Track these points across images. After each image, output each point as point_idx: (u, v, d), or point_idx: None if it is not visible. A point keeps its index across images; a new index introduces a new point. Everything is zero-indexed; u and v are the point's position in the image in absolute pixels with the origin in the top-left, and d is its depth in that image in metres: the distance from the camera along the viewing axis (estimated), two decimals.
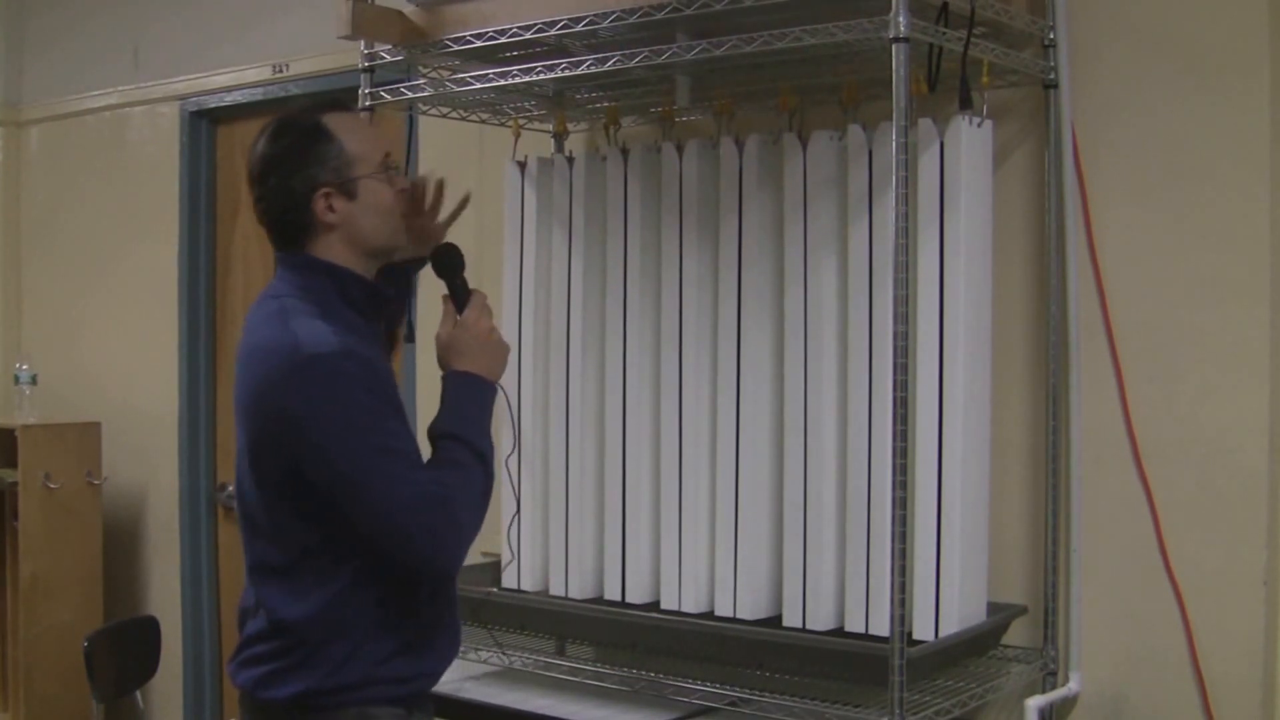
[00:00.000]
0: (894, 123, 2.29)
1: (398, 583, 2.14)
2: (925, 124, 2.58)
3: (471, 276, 3.51)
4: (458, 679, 3.03)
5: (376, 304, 2.23)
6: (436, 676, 2.25)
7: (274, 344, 2.11)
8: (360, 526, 2.09)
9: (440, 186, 2.39)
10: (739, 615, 2.81)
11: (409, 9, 2.91)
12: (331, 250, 2.18)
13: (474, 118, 3.29)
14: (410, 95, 2.98)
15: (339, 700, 2.14)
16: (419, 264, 2.39)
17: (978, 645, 2.69)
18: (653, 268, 2.96)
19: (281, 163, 2.17)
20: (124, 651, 4.16)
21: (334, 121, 2.18)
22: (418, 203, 2.36)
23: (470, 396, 2.19)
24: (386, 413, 2.11)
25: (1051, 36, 2.71)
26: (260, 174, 2.19)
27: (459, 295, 2.26)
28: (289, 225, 2.18)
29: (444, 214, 2.42)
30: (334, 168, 2.16)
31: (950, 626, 2.59)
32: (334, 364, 2.06)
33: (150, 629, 4.35)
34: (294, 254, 2.20)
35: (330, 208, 2.16)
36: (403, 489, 2.06)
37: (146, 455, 4.75)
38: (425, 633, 2.20)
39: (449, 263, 2.29)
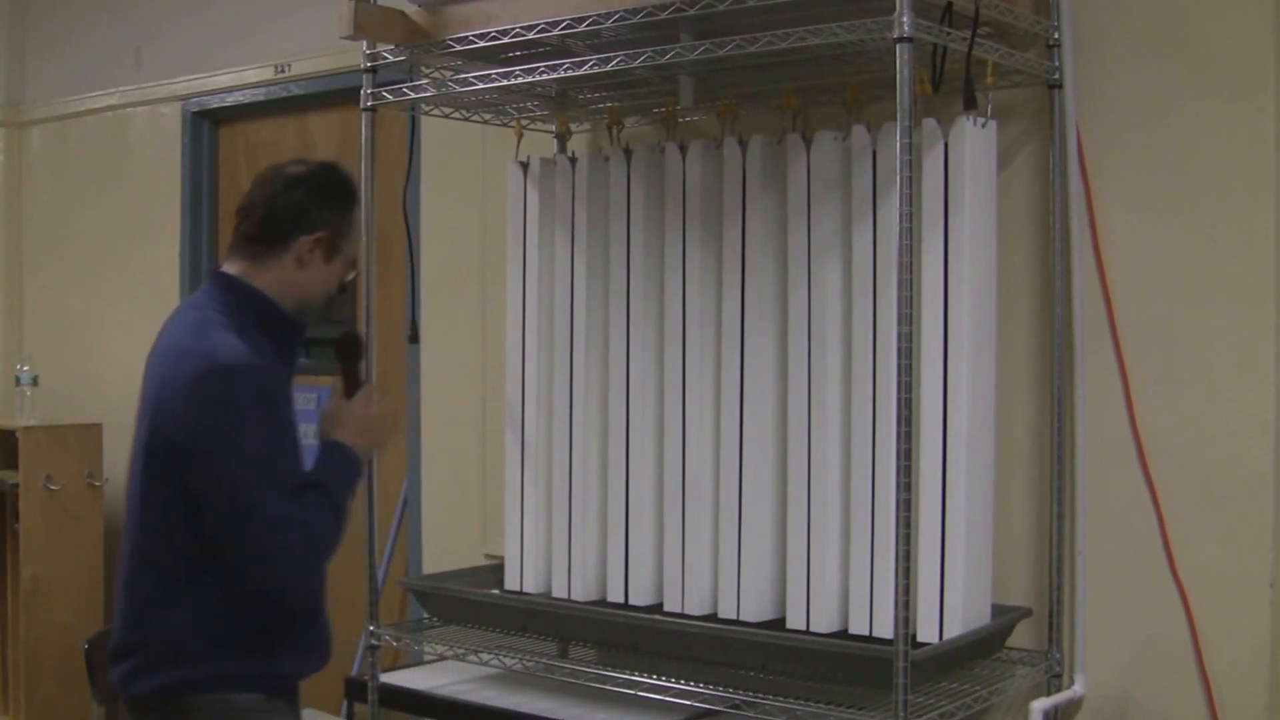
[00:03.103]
0: (898, 123, 2.28)
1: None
2: (929, 124, 2.57)
3: (474, 278, 3.55)
4: (460, 681, 3.02)
5: (290, 335, 2.43)
6: (298, 677, 2.43)
7: (189, 348, 2.30)
8: (224, 536, 2.26)
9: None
10: (742, 617, 2.80)
11: (411, 9, 2.91)
12: (276, 280, 2.40)
13: (476, 118, 3.28)
14: (412, 95, 2.97)
15: (198, 691, 2.31)
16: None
17: (982, 647, 2.68)
18: (655, 268, 2.95)
19: (315, 188, 2.42)
20: None
21: (358, 209, 2.49)
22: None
23: (341, 462, 2.40)
24: (279, 435, 2.28)
25: (1056, 37, 2.70)
26: (293, 181, 2.42)
27: (351, 380, 2.51)
28: (273, 233, 2.39)
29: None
30: (341, 231, 2.42)
31: (954, 629, 2.58)
32: (243, 376, 2.26)
33: None
34: (225, 275, 2.41)
35: (311, 251, 2.39)
36: (273, 509, 2.23)
37: None
38: (283, 638, 2.36)
39: (352, 350, 2.54)
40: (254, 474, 2.23)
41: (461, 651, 2.94)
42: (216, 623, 2.30)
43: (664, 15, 2.52)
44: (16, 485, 4.64)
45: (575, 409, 3.05)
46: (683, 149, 2.90)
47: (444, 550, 3.81)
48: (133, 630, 2.36)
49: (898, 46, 2.27)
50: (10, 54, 5.25)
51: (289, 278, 2.40)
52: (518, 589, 3.14)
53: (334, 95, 4.17)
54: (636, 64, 2.61)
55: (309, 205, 2.39)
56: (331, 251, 2.41)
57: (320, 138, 4.42)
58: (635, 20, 2.57)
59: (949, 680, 2.57)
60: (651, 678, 2.67)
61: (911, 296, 2.32)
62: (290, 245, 2.38)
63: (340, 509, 2.34)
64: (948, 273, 2.58)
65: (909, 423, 2.31)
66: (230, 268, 2.42)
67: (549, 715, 2.78)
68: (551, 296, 3.11)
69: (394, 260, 3.94)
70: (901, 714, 2.28)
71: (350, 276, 2.50)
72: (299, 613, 2.39)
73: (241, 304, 2.37)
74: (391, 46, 2.95)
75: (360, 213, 2.51)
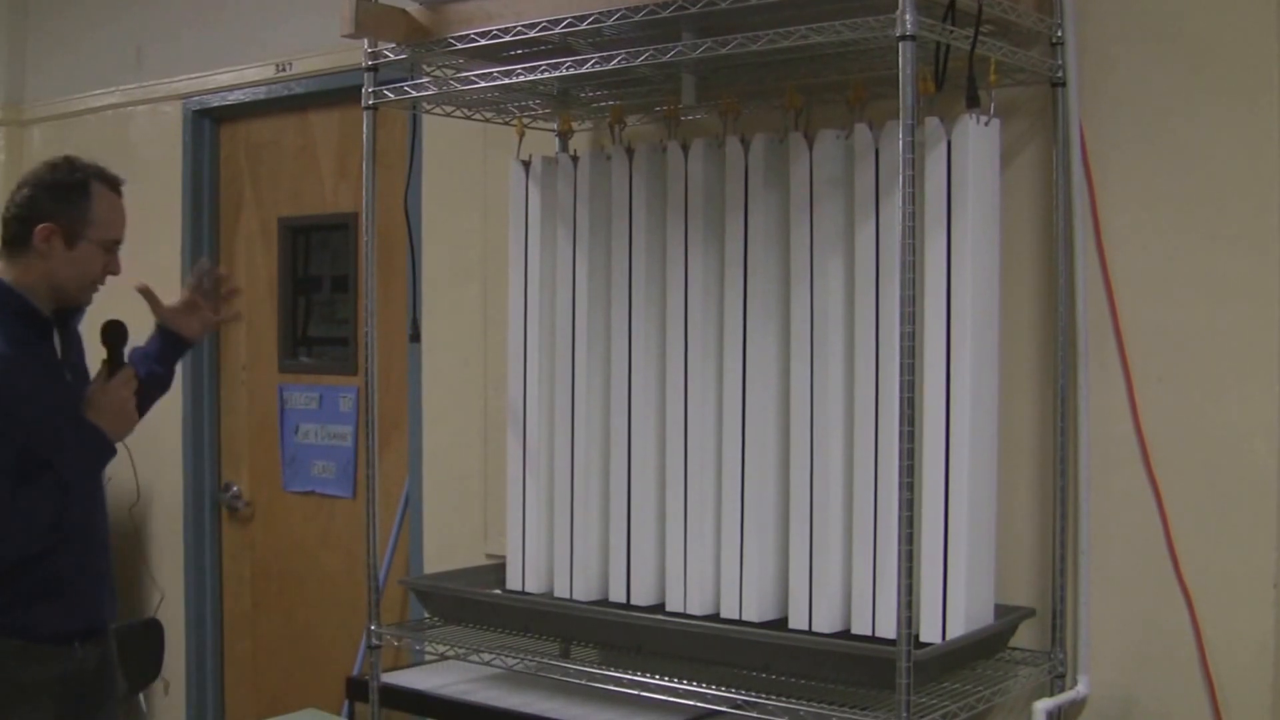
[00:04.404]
0: (901, 121, 2.27)
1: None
2: (932, 123, 2.57)
3: (476, 276, 3.53)
4: (461, 681, 3.02)
5: (37, 324, 2.76)
6: (44, 629, 2.73)
7: None
8: None
9: (218, 280, 3.08)
10: (745, 617, 2.79)
11: (413, 7, 2.90)
12: (27, 271, 2.73)
13: (478, 117, 3.27)
14: (414, 94, 2.97)
15: None
16: (78, 313, 2.91)
17: (985, 648, 2.67)
18: (658, 267, 2.94)
19: (41, 186, 2.76)
20: (127, 654, 4.14)
21: (97, 189, 2.77)
22: (198, 283, 3.05)
23: (86, 446, 2.74)
24: None
25: (1059, 34, 2.69)
26: (21, 183, 2.79)
27: (114, 365, 2.82)
28: (11, 232, 2.75)
29: (225, 312, 3.12)
30: (72, 217, 2.72)
31: (957, 629, 2.57)
32: None
33: (154, 632, 4.33)
34: None
35: (46, 240, 2.71)
36: None
37: (149, 456, 4.73)
38: (33, 591, 2.70)
39: (115, 337, 2.84)
40: None
41: (463, 651, 2.94)
42: None
43: (666, 13, 2.52)
44: None
45: (577, 408, 3.05)
46: (685, 147, 2.89)
47: (445, 550, 3.81)
48: None
49: (900, 45, 2.26)
50: (11, 52, 5.24)
51: (37, 268, 2.73)
52: (519, 589, 3.14)
53: (335, 94, 4.17)
54: (638, 62, 2.60)
55: (37, 199, 2.74)
56: (71, 238, 2.73)
57: (321, 136, 4.42)
58: (637, 18, 2.57)
59: (952, 680, 2.56)
60: (654, 678, 2.66)
61: (914, 295, 2.31)
62: (30, 240, 2.72)
63: (60, 485, 2.67)
64: (950, 271, 2.57)
65: (911, 422, 2.30)
66: None
67: (551, 715, 2.77)
68: (553, 295, 3.11)
69: (396, 259, 3.94)
70: (904, 714, 2.27)
71: (117, 266, 2.82)
72: (26, 572, 2.70)
73: None
74: (393, 45, 2.94)
75: (100, 199, 2.76)
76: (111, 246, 2.80)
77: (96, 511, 2.90)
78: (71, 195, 2.75)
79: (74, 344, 2.89)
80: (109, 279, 2.86)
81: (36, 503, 2.66)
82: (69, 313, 2.86)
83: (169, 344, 3.07)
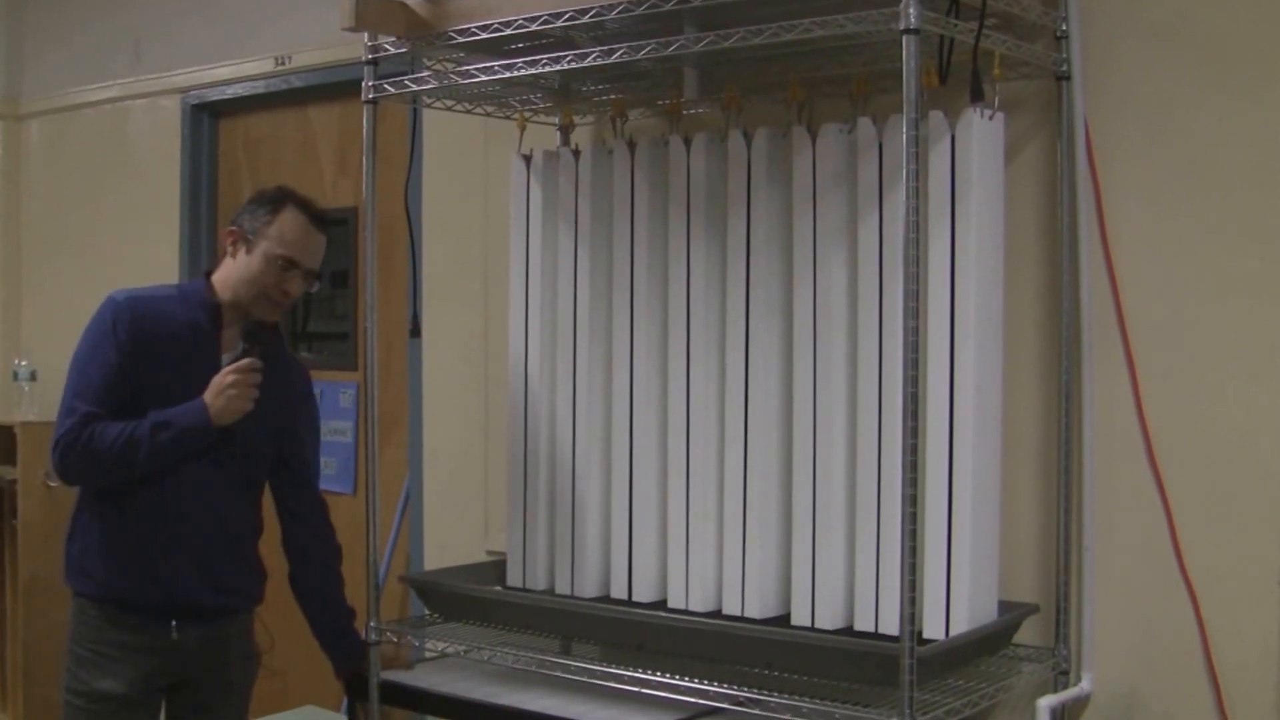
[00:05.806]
0: (904, 115, 2.26)
1: (96, 495, 2.92)
2: (936, 117, 2.55)
3: (477, 271, 3.52)
4: (462, 679, 3.01)
5: (207, 310, 2.95)
6: (106, 587, 2.90)
7: None
8: None
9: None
10: (747, 614, 2.78)
11: (413, 1, 2.89)
12: (223, 275, 2.97)
13: (479, 111, 3.26)
14: (414, 88, 2.95)
15: (68, 579, 2.96)
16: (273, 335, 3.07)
17: (989, 644, 2.66)
18: (660, 262, 2.93)
19: (249, 199, 3.01)
20: None
21: (290, 210, 2.93)
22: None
23: (185, 411, 2.86)
24: (106, 354, 2.86)
25: (1064, 28, 2.68)
26: (248, 198, 3.04)
27: (249, 357, 2.94)
28: (218, 238, 3.16)
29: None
30: (254, 225, 2.93)
31: (961, 625, 2.56)
32: (110, 304, 2.93)
33: None
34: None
35: (232, 242, 2.96)
36: (67, 400, 2.86)
37: None
38: (103, 544, 2.90)
39: (257, 336, 2.97)
40: (72, 372, 2.89)
41: (463, 648, 2.93)
42: (72, 525, 2.96)
43: (668, 7, 2.50)
44: (14, 481, 4.62)
45: (578, 403, 3.03)
46: (687, 142, 2.88)
47: (446, 546, 3.80)
48: None
49: (904, 38, 2.24)
50: (9, 46, 5.23)
51: (225, 268, 2.97)
52: (520, 585, 3.13)
53: (335, 88, 4.15)
54: (640, 56, 2.59)
55: (241, 209, 2.99)
56: (247, 245, 2.92)
57: (321, 131, 4.40)
58: (639, 12, 2.55)
59: (955, 677, 2.55)
60: (655, 675, 2.65)
61: (918, 290, 2.30)
62: (220, 244, 3.00)
63: (139, 437, 2.81)
64: (954, 266, 2.56)
65: (915, 417, 2.29)
66: None
67: (551, 713, 2.76)
68: (554, 290, 3.10)
69: (396, 254, 3.93)
70: (908, 711, 2.26)
71: (295, 287, 2.93)
72: (114, 537, 2.89)
73: (193, 285, 3.05)
74: (393, 38, 2.93)
75: (288, 219, 2.90)
76: (286, 264, 2.90)
77: (194, 493, 2.92)
78: (261, 207, 2.93)
79: (249, 352, 2.97)
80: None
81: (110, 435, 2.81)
82: (266, 334, 2.97)
83: (345, 652, 3.15)
